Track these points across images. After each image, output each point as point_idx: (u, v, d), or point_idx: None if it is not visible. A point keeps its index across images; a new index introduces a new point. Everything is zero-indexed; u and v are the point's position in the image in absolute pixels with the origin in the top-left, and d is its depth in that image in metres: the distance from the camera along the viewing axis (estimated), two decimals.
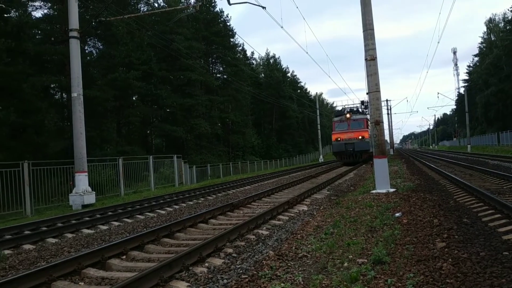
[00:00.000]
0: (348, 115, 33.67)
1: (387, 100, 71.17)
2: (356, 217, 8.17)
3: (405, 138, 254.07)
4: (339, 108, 43.74)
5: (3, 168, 13.96)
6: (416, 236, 6.15)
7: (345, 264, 5.12)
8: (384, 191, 11.94)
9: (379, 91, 12.96)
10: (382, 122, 13.07)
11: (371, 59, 12.83)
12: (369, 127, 31.64)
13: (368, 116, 32.88)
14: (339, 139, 33.29)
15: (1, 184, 13.60)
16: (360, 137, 32.31)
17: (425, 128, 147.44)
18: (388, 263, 4.95)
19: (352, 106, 38.85)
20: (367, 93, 13.35)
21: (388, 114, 72.22)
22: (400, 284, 4.25)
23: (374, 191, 12.13)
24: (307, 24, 28.00)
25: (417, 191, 11.59)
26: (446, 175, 15.72)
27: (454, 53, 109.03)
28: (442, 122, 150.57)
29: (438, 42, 31.60)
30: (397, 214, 7.99)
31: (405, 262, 4.94)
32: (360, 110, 36.28)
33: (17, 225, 10.40)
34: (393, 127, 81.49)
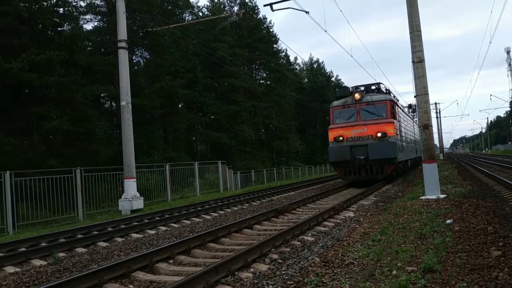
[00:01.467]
0: (357, 95, 19.14)
1: (435, 103, 69.14)
2: (404, 224, 7.94)
3: (456, 142, 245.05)
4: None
5: (57, 174, 14.64)
6: (469, 244, 5.89)
7: (394, 272, 4.97)
8: (434, 197, 11.53)
9: (428, 94, 12.59)
10: (431, 125, 12.67)
11: (418, 61, 12.49)
12: (398, 116, 20.15)
13: (394, 97, 21.16)
14: (341, 138, 18.91)
15: (56, 189, 14.26)
16: (378, 134, 18.06)
17: (477, 132, 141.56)
18: (439, 271, 4.76)
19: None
20: (414, 96, 13.02)
21: (437, 117, 70.03)
22: None
23: (423, 197, 11.75)
24: (351, 27, 27.63)
25: (469, 197, 11.11)
26: (501, 180, 14.98)
27: (508, 52, 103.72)
28: (496, 125, 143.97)
29: (490, 42, 29.45)
30: (448, 221, 7.68)
31: (457, 271, 4.73)
32: (382, 88, 21.05)
33: (70, 229, 10.87)
34: (442, 131, 78.70)
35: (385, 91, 20.74)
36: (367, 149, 18.04)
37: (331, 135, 19.33)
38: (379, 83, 20.63)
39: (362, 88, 20.33)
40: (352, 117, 19.06)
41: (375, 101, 18.98)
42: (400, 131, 20.22)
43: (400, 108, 22.55)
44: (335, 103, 20.08)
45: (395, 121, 18.77)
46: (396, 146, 18.12)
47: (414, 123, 29.67)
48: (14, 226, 12.84)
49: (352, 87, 21.06)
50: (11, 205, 12.77)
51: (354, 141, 18.50)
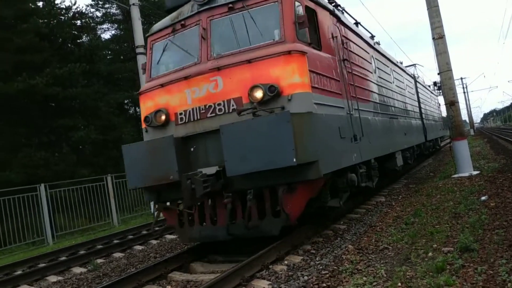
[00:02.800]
0: None
1: (461, 78, 66.93)
2: (438, 204, 7.80)
3: (486, 116, 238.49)
4: None
5: (89, 183, 15.03)
6: (506, 220, 5.74)
7: (430, 254, 4.90)
8: (466, 174, 11.25)
9: (451, 70, 12.27)
10: (457, 102, 12.36)
11: (439, 38, 12.18)
12: (338, 44, 7.64)
13: None
14: (162, 117, 6.72)
15: (90, 198, 14.62)
16: (257, 94, 5.73)
17: (508, 103, 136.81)
18: (477, 250, 4.66)
19: None
20: (438, 74, 12.70)
21: (464, 92, 68.20)
22: (492, 272, 3.99)
23: (455, 176, 11.48)
24: (367, 9, 26.91)
25: (503, 172, 10.80)
26: None
27: None
28: None
29: None
30: (483, 198, 7.50)
31: (495, 248, 4.63)
32: None
33: (107, 235, 11.17)
34: (471, 106, 76.51)
35: None
36: (221, 145, 5.80)
37: (143, 109, 7.51)
38: None
39: None
40: (192, 54, 6.85)
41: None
42: (352, 83, 8.08)
43: (355, 32, 9.73)
44: (158, 25, 7.73)
45: (312, 50, 6.46)
46: (312, 123, 5.80)
47: (422, 86, 21.78)
48: (53, 237, 13.26)
49: None
50: (48, 216, 13.17)
51: (194, 120, 6.51)
